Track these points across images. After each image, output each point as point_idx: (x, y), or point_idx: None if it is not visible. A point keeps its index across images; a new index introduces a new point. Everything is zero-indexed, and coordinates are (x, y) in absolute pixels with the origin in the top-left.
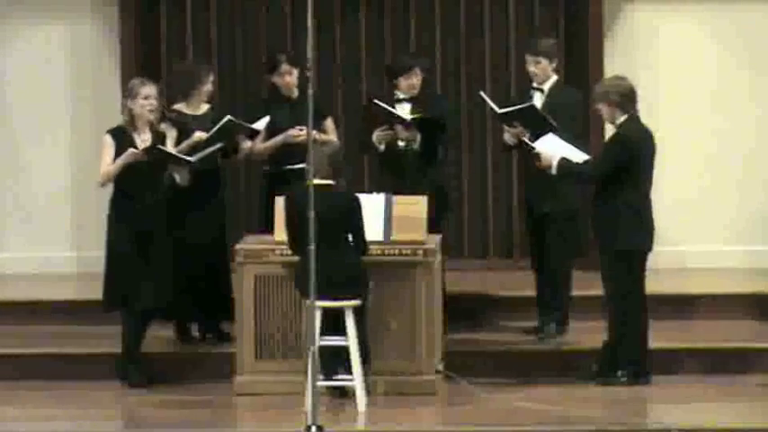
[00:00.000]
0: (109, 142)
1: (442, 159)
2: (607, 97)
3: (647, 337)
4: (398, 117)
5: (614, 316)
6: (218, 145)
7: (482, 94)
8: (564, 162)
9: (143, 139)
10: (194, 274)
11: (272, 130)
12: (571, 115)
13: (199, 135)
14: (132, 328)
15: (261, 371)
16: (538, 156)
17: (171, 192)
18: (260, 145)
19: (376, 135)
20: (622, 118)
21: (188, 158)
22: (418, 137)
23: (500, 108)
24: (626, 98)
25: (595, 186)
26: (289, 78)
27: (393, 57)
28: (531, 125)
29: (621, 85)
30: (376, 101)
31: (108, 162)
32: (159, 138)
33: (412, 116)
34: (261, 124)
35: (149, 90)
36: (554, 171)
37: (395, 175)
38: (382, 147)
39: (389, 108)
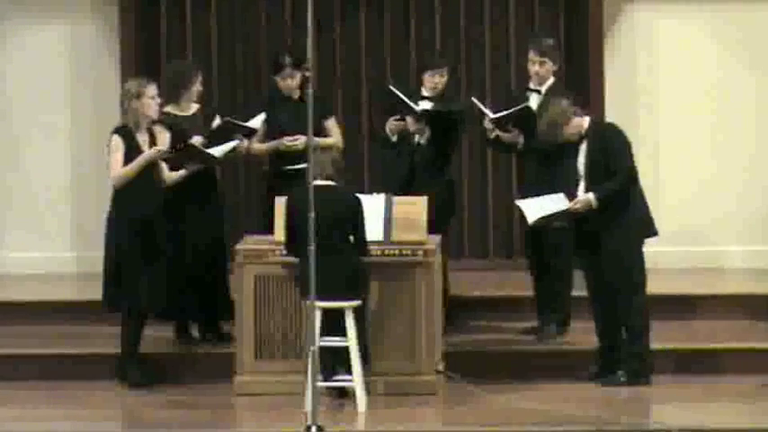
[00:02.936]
0: (120, 143)
1: (451, 158)
2: (565, 115)
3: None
4: (409, 107)
5: (631, 311)
6: (236, 142)
7: (474, 100)
8: (601, 191)
9: (143, 140)
10: (194, 274)
11: (274, 130)
12: None
13: (197, 138)
14: (131, 328)
15: (261, 371)
16: (569, 209)
17: (170, 192)
18: (257, 146)
19: (388, 125)
20: (586, 122)
21: (214, 155)
22: (427, 131)
23: (493, 113)
24: (575, 105)
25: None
26: (291, 81)
27: (393, 55)
28: (524, 127)
29: (563, 100)
30: (391, 87)
31: (120, 162)
32: (153, 137)
33: (422, 108)
34: (257, 122)
35: (155, 89)
36: (595, 205)
37: (406, 169)
38: (395, 138)
39: (403, 96)
